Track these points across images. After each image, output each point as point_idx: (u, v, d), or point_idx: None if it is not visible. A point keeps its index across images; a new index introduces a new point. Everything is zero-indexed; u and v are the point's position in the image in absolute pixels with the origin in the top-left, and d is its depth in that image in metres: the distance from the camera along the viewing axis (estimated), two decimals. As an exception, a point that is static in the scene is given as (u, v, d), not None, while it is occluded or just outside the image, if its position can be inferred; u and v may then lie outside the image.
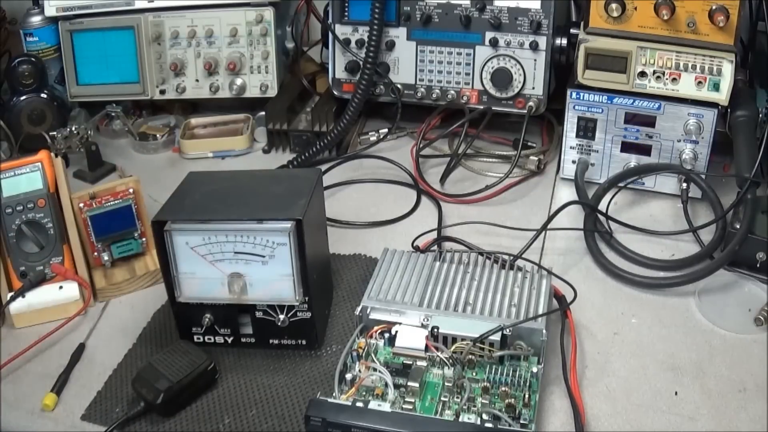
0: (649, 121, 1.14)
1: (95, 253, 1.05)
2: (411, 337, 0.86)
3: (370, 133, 1.38)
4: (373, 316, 0.89)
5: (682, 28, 1.07)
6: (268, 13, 1.36)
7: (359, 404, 0.77)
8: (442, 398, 0.81)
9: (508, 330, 0.84)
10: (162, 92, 1.41)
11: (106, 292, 1.04)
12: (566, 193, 1.21)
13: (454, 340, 0.85)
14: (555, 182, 1.25)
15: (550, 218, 1.08)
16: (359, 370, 0.84)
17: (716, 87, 1.09)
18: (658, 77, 1.11)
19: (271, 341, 0.92)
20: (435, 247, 1.08)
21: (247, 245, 0.86)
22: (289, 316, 0.90)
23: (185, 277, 0.88)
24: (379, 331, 0.88)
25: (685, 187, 1.13)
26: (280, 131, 1.36)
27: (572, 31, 1.23)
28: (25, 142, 1.30)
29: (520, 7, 1.23)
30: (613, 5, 1.08)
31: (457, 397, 0.80)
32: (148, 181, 1.16)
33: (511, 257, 1.02)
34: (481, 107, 1.29)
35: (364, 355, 0.86)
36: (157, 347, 0.95)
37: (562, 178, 1.24)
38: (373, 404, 0.77)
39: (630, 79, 1.12)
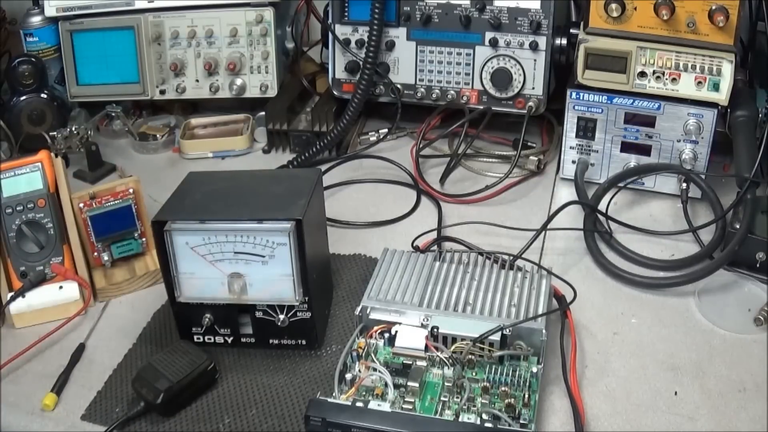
0: (649, 121, 1.14)
1: (95, 253, 1.05)
2: (411, 337, 0.86)
3: (370, 133, 1.38)
4: (373, 316, 0.89)
5: (682, 28, 1.07)
6: (268, 13, 1.36)
7: (359, 404, 0.77)
8: (442, 398, 0.81)
9: (507, 330, 0.84)
10: (162, 92, 1.41)
11: (106, 292, 1.04)
12: (566, 193, 1.21)
13: (454, 340, 0.85)
14: (555, 182, 1.25)
15: (550, 218, 1.08)
16: (359, 370, 0.84)
17: (716, 87, 1.09)
18: (658, 77, 1.11)
19: (271, 341, 0.92)
20: (435, 247, 1.08)
21: (247, 245, 0.86)
22: (289, 316, 0.90)
23: (185, 277, 0.88)
24: (379, 331, 0.88)
25: (684, 187, 1.13)
26: (280, 131, 1.36)
27: (572, 31, 1.23)
28: (25, 142, 1.30)
29: (520, 7, 1.23)
30: (613, 5, 1.08)
31: (457, 397, 0.80)
32: (148, 181, 1.16)
33: (511, 257, 1.02)
34: (481, 107, 1.29)
35: (364, 355, 0.86)
36: (157, 347, 0.95)
37: (562, 178, 1.24)
38: (373, 404, 0.77)
39: (630, 79, 1.12)
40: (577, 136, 1.19)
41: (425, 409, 0.80)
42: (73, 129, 1.29)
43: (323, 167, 1.28)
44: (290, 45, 1.45)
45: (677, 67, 1.10)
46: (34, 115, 1.33)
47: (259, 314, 0.90)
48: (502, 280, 0.93)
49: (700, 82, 1.09)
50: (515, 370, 0.83)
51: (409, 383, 0.81)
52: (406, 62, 1.32)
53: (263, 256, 0.86)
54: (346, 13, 1.32)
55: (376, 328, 0.88)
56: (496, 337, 0.84)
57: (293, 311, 0.89)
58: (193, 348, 0.89)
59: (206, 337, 0.93)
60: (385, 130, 1.37)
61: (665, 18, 1.06)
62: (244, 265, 0.87)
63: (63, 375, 0.90)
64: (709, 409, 0.83)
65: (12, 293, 1.00)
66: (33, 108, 1.33)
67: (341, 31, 1.33)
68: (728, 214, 1.05)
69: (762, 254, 1.00)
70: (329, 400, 0.78)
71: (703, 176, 1.13)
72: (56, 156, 1.05)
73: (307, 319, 0.90)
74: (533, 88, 1.27)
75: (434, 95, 1.32)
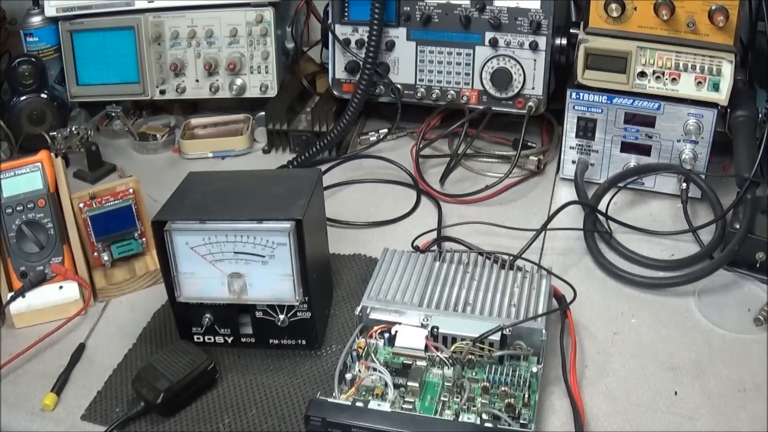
0: (649, 121, 1.14)
1: (95, 253, 1.05)
2: (411, 337, 0.86)
3: (370, 133, 1.38)
4: (373, 316, 0.89)
5: (682, 29, 1.07)
6: (268, 13, 1.36)
7: (359, 404, 0.77)
8: (442, 398, 0.81)
9: (507, 330, 0.84)
10: (162, 92, 1.41)
11: (106, 292, 1.04)
12: (566, 193, 1.21)
13: (454, 340, 0.85)
14: (555, 182, 1.25)
15: (550, 218, 1.08)
16: (359, 370, 0.84)
17: (716, 87, 1.09)
18: (658, 77, 1.11)
19: (271, 341, 0.92)
20: (435, 247, 1.08)
21: (247, 245, 0.86)
22: (289, 316, 0.90)
23: (185, 277, 0.88)
24: (379, 331, 0.88)
25: (684, 187, 1.13)
26: (280, 131, 1.36)
27: (572, 31, 1.23)
28: (25, 142, 1.30)
29: (520, 7, 1.23)
30: (613, 5, 1.08)
31: (457, 397, 0.80)
32: (148, 181, 1.16)
33: (511, 257, 1.02)
34: (481, 107, 1.29)
35: (363, 355, 0.86)
36: (157, 347, 0.95)
37: (561, 178, 1.24)
38: (373, 404, 0.77)
39: (630, 79, 1.12)
40: (577, 136, 1.19)
41: (425, 409, 0.80)
42: (73, 129, 1.29)
43: (323, 167, 1.28)
44: (290, 45, 1.45)
45: (677, 67, 1.10)
46: (34, 115, 1.33)
47: (259, 314, 0.90)
48: (502, 280, 0.93)
49: (700, 82, 1.09)
50: (515, 370, 0.83)
51: (409, 383, 0.81)
52: (406, 62, 1.32)
53: (263, 256, 0.86)
54: (346, 13, 1.32)
55: (376, 328, 0.88)
56: (496, 337, 0.84)
57: (293, 311, 0.89)
58: (193, 348, 0.89)
59: (206, 337, 0.93)
60: (385, 130, 1.37)
61: (665, 18, 1.06)
62: (244, 265, 0.87)
63: (63, 375, 0.90)
64: (709, 409, 0.83)
65: (12, 293, 1.00)
66: (33, 108, 1.33)
67: (341, 31, 1.33)
68: (728, 214, 1.05)
69: (762, 254, 1.00)
70: (329, 400, 0.78)
71: (703, 176, 1.13)
72: (56, 156, 1.05)
73: (307, 319, 0.90)
74: (533, 88, 1.27)
75: (434, 95, 1.32)
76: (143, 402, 0.84)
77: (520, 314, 0.87)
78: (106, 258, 1.05)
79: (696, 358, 0.90)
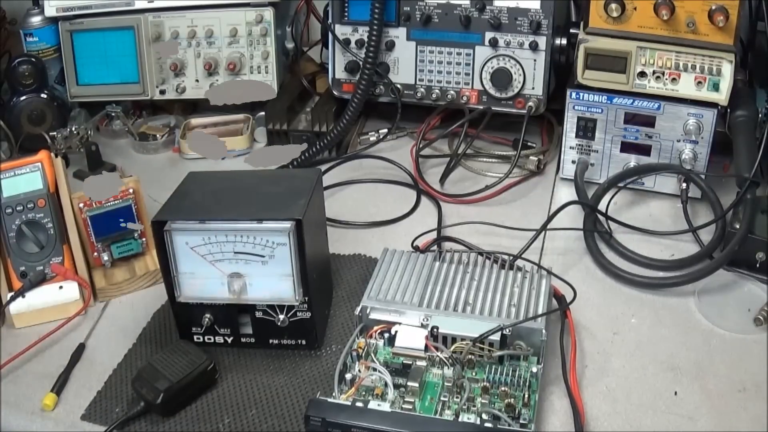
0: (649, 121, 1.14)
1: (95, 253, 1.05)
2: (411, 337, 0.86)
3: (370, 133, 1.38)
4: (373, 316, 0.89)
5: (682, 29, 1.07)
6: (268, 13, 1.36)
7: (359, 404, 0.77)
8: (442, 398, 0.81)
9: (507, 330, 0.84)
10: (162, 92, 1.41)
11: (106, 292, 1.04)
12: (566, 193, 1.21)
13: (454, 340, 0.85)
14: (555, 182, 1.25)
15: (550, 218, 1.08)
16: (359, 370, 0.84)
17: (716, 87, 1.09)
18: (658, 77, 1.11)
19: (271, 341, 0.92)
20: (435, 247, 1.08)
21: (247, 245, 0.86)
22: (289, 316, 0.90)
23: (185, 277, 0.88)
24: (379, 331, 0.88)
25: (684, 187, 1.13)
26: (280, 131, 1.36)
27: (572, 31, 1.23)
28: (25, 142, 1.30)
29: (520, 7, 1.23)
30: (613, 5, 1.08)
31: (457, 397, 0.80)
32: (148, 181, 1.16)
33: (511, 257, 1.02)
34: (481, 107, 1.29)
35: (363, 355, 0.86)
36: (157, 347, 0.95)
37: (561, 178, 1.24)
38: (373, 404, 0.77)
39: (630, 79, 1.12)
40: (577, 136, 1.19)
41: (425, 409, 0.80)
42: (73, 129, 1.29)
43: (323, 167, 1.28)
44: (290, 45, 1.45)
45: (677, 67, 1.10)
46: (34, 115, 1.33)
47: (259, 314, 0.90)
48: (502, 280, 0.93)
49: (700, 82, 1.09)
50: (515, 370, 0.83)
51: (409, 383, 0.81)
52: (406, 62, 1.32)
53: (263, 256, 0.86)
54: (346, 13, 1.32)
55: (376, 328, 0.88)
56: (496, 337, 0.84)
57: (293, 311, 0.89)
58: (193, 348, 0.89)
59: (206, 337, 0.93)
60: (385, 130, 1.37)
61: (665, 18, 1.06)
62: (244, 265, 0.87)
63: (63, 375, 0.90)
64: (709, 409, 0.83)
65: (12, 293, 1.00)
66: (33, 108, 1.33)
67: (341, 31, 1.33)
68: (728, 214, 1.05)
69: (762, 254, 1.00)
70: (329, 400, 0.78)
71: (703, 176, 1.13)
72: (56, 156, 1.05)
73: (307, 319, 0.90)
74: (533, 88, 1.27)
75: (434, 95, 1.32)
76: (143, 402, 0.84)
77: (520, 314, 0.87)
78: (106, 258, 1.05)
79: (696, 358, 0.90)
